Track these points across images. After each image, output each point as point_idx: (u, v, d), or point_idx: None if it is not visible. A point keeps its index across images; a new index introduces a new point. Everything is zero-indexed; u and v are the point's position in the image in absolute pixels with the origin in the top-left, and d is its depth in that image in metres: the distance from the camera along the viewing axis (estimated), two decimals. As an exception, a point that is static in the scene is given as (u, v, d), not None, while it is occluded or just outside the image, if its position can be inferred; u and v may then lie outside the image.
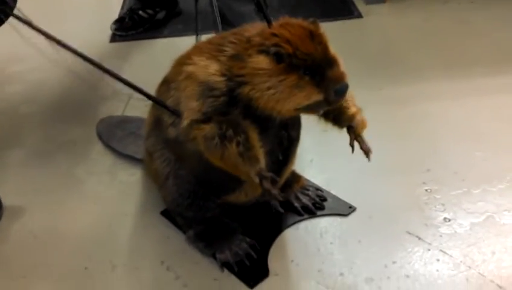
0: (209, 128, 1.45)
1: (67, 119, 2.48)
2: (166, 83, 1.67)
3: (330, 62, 1.40)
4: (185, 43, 2.74)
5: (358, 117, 1.62)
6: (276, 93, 1.40)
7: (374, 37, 3.12)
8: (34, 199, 2.03)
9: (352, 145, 1.63)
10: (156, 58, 2.93)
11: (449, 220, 1.83)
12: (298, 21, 1.48)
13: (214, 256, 1.75)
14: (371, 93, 2.45)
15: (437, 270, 1.68)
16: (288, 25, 1.45)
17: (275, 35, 1.42)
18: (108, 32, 3.18)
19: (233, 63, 1.45)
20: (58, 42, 1.48)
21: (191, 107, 1.49)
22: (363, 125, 1.64)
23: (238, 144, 1.44)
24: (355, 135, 1.63)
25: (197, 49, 1.59)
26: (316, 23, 1.47)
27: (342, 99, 1.44)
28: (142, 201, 2.00)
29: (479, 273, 1.65)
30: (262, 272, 1.68)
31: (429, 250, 1.74)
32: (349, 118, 1.62)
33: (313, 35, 1.42)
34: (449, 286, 1.63)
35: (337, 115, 1.60)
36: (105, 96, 2.58)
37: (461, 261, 1.69)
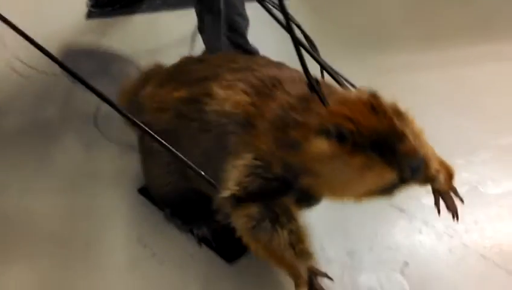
0: (256, 208, 1.30)
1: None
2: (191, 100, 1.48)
3: (399, 136, 1.18)
4: (164, 19, 2.71)
5: (441, 175, 1.42)
6: (343, 179, 1.21)
7: (358, 8, 3.05)
8: (5, 177, 1.98)
9: (437, 206, 1.46)
10: (134, 34, 2.84)
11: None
12: (356, 95, 1.28)
13: (191, 232, 1.70)
14: (355, 64, 2.38)
15: (420, 242, 1.65)
16: (346, 100, 1.25)
17: (333, 113, 1.22)
18: (84, 9, 3.09)
19: (285, 151, 1.28)
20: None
21: (236, 179, 1.33)
22: (449, 181, 1.45)
23: (290, 232, 1.30)
24: (439, 193, 1.45)
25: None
26: (376, 95, 1.27)
27: (420, 176, 1.23)
28: (118, 178, 1.94)
29: (462, 243, 1.63)
30: (241, 248, 1.63)
31: (412, 222, 1.71)
32: (431, 178, 1.41)
33: (376, 109, 1.21)
34: (432, 257, 1.60)
35: None
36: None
37: (444, 232, 1.66)
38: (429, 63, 2.46)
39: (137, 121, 1.31)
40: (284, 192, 1.31)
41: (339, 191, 1.27)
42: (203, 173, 1.36)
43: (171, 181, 1.63)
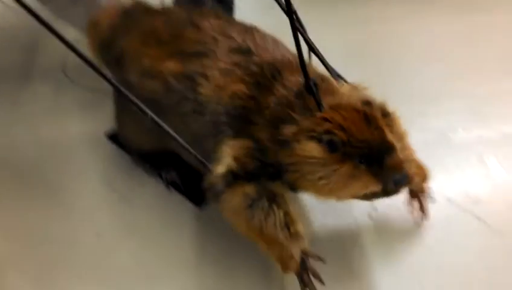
0: (253, 187, 1.29)
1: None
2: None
3: (388, 149, 1.22)
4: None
5: (417, 177, 1.45)
6: (329, 184, 1.23)
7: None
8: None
9: (410, 206, 1.53)
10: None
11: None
12: (351, 102, 1.28)
13: (160, 176, 1.69)
14: (329, 14, 2.37)
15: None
16: (340, 107, 1.25)
17: (326, 119, 1.23)
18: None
19: (277, 147, 1.28)
20: None
21: (234, 156, 1.31)
22: (424, 183, 1.50)
23: (286, 213, 1.29)
24: (414, 194, 1.52)
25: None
26: (370, 103, 1.29)
27: (402, 190, 1.25)
28: (86, 125, 1.91)
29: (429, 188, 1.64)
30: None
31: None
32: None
33: (369, 119, 1.23)
34: (398, 201, 1.60)
35: None
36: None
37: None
38: (403, 13, 2.43)
39: (116, 84, 1.23)
40: (278, 177, 1.30)
41: (323, 193, 1.28)
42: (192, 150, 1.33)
43: (148, 141, 1.60)
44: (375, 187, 1.22)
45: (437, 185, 1.64)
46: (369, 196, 1.27)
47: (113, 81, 1.26)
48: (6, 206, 1.65)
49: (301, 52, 1.24)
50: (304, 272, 1.30)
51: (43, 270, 1.46)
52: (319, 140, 1.22)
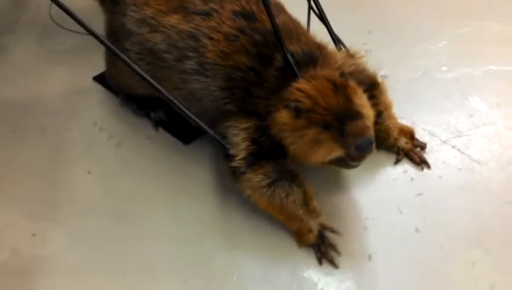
0: (272, 167, 1.37)
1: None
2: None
3: (351, 115, 1.26)
4: None
5: (402, 139, 1.59)
6: (298, 148, 1.32)
7: None
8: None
9: (398, 160, 1.60)
10: None
11: (386, 77, 1.82)
12: (327, 73, 1.35)
13: (147, 116, 1.71)
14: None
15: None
16: (315, 77, 1.32)
17: (299, 89, 1.31)
18: None
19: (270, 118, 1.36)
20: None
21: (250, 139, 1.38)
22: (411, 141, 1.60)
23: (304, 191, 1.37)
24: (404, 153, 1.60)
25: None
26: (345, 76, 1.36)
27: (366, 154, 1.29)
28: (73, 67, 1.92)
29: (412, 122, 1.67)
30: (197, 130, 1.65)
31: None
32: (392, 146, 1.60)
33: (337, 88, 1.29)
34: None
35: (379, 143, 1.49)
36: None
37: (395, 113, 1.69)
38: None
39: (106, 42, 1.30)
40: (279, 153, 1.38)
41: (299, 158, 1.36)
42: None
43: (140, 87, 1.60)
44: (338, 152, 1.28)
45: (421, 121, 1.68)
46: (337, 162, 1.32)
47: (102, 39, 1.27)
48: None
49: (276, 26, 1.34)
50: (322, 244, 1.38)
51: (39, 206, 1.50)
52: (289, 107, 1.32)
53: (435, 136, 1.65)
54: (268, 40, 1.41)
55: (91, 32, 1.21)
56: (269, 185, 1.36)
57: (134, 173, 1.58)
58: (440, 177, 1.54)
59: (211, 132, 1.42)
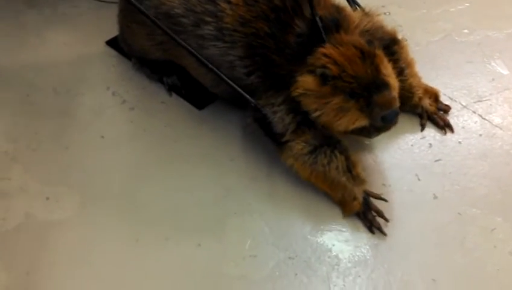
0: (313, 134, 1.34)
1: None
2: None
3: (379, 86, 1.24)
4: None
5: (426, 99, 1.54)
6: (322, 115, 1.29)
7: None
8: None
9: (422, 125, 1.54)
10: None
11: (406, 40, 1.76)
12: (353, 39, 1.31)
13: (161, 81, 1.69)
14: None
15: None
16: (342, 44, 1.28)
17: (325, 55, 1.27)
18: None
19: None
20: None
21: (290, 110, 1.36)
22: (435, 103, 1.55)
23: (347, 158, 1.34)
24: (427, 115, 1.55)
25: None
26: (372, 43, 1.30)
27: (391, 126, 1.27)
28: (86, 32, 1.89)
29: (431, 85, 1.63)
30: (211, 95, 1.62)
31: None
32: (415, 105, 1.53)
33: (365, 56, 1.25)
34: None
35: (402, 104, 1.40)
36: None
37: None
38: None
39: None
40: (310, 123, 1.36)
41: (322, 124, 1.33)
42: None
43: (155, 52, 1.59)
44: (363, 122, 1.26)
45: (441, 85, 1.63)
46: (361, 131, 1.31)
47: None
48: (8, 109, 1.66)
49: None
50: (368, 211, 1.34)
51: (52, 170, 1.49)
52: (314, 73, 1.28)
53: (455, 100, 1.60)
54: (287, 5, 1.37)
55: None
56: (311, 152, 1.34)
57: (148, 137, 1.56)
58: (460, 143, 1.50)
59: (246, 96, 1.40)
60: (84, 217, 1.38)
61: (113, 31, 1.77)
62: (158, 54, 1.58)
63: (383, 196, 1.36)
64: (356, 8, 1.56)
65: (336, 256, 1.28)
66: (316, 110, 1.30)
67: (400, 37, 1.51)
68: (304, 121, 1.35)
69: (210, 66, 1.38)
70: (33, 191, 1.43)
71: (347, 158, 1.34)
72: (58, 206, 1.40)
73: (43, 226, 1.36)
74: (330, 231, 1.34)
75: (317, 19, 1.31)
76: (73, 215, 1.38)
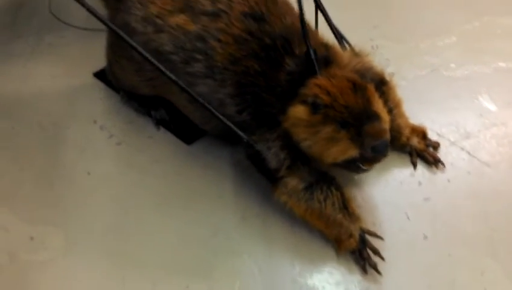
0: (308, 170, 1.34)
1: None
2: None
3: (370, 116, 1.24)
4: None
5: (414, 138, 1.54)
6: (312, 145, 1.28)
7: None
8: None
9: (414, 163, 1.54)
10: None
11: (393, 74, 1.77)
12: (346, 72, 1.32)
13: (149, 114, 1.67)
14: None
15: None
16: (334, 76, 1.29)
17: (317, 85, 1.27)
18: None
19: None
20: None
21: (283, 146, 1.35)
22: (423, 140, 1.56)
23: (342, 194, 1.33)
24: (417, 153, 1.55)
25: None
26: (365, 77, 1.34)
27: (380, 158, 1.26)
28: (73, 63, 1.87)
29: (419, 122, 1.62)
30: (200, 130, 1.61)
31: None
32: (404, 145, 1.55)
33: (357, 88, 1.26)
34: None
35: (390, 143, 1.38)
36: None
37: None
38: None
39: (118, 30, 1.26)
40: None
41: (312, 155, 1.32)
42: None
43: (144, 88, 1.58)
44: (353, 152, 1.25)
45: (428, 121, 1.63)
46: (351, 163, 1.29)
47: (113, 26, 1.25)
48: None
49: (305, 25, 1.31)
50: (364, 249, 1.33)
51: (36, 208, 1.46)
52: (306, 102, 1.28)
53: (443, 137, 1.61)
54: (277, 44, 1.37)
55: (108, 26, 1.15)
56: (307, 188, 1.33)
57: (135, 173, 1.54)
58: (449, 181, 1.50)
59: (239, 132, 1.39)
60: (70, 258, 1.35)
61: (100, 62, 1.75)
62: (147, 90, 1.57)
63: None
64: (345, 45, 1.56)
65: (326, 299, 1.26)
66: (306, 139, 1.29)
67: (388, 73, 1.52)
68: (299, 157, 1.34)
69: (202, 101, 1.37)
70: (17, 230, 1.40)
71: (342, 195, 1.34)
72: (42, 247, 1.37)
73: (27, 266, 1.33)
74: (320, 272, 1.32)
75: (311, 51, 1.31)
76: (58, 256, 1.35)
